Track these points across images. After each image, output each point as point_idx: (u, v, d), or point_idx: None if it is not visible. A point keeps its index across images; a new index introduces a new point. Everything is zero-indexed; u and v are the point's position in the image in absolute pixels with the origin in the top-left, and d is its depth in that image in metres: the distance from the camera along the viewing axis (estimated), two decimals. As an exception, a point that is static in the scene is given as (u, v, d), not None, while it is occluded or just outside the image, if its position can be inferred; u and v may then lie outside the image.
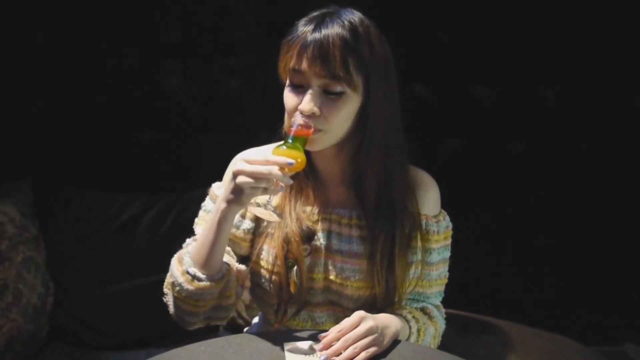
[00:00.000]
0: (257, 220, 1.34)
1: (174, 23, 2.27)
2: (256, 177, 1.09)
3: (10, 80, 2.21)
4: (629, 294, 2.51)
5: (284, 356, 1.14)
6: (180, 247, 1.34)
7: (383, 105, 1.24)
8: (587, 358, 2.01)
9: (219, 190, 1.36)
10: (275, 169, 1.09)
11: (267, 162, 1.09)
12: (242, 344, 1.17)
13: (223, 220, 1.17)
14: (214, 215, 1.18)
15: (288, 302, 1.31)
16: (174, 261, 1.27)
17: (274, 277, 1.31)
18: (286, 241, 1.28)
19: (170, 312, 1.29)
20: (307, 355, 1.14)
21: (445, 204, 1.42)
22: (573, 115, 2.44)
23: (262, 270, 1.32)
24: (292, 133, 1.16)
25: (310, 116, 1.18)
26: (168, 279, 1.27)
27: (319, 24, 1.19)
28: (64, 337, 2.02)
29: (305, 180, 1.32)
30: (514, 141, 2.46)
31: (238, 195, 1.12)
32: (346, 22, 1.19)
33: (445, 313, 1.45)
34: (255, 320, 1.58)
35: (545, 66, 2.39)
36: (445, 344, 1.42)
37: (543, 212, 2.50)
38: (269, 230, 1.32)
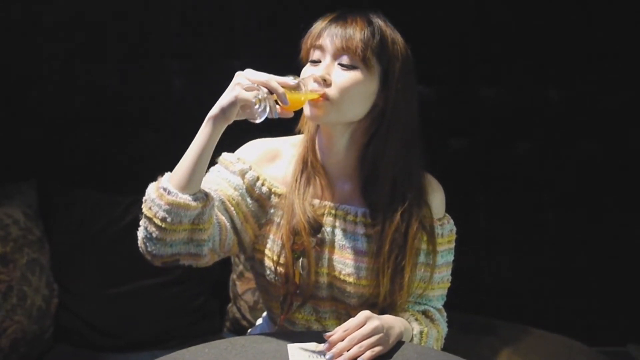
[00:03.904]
0: (262, 205, 1.32)
1: (177, 23, 2.27)
2: (254, 80, 1.12)
3: (13, 81, 2.22)
4: (632, 295, 2.50)
5: (288, 357, 1.13)
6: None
7: (401, 99, 1.26)
8: (590, 358, 2.01)
9: (228, 156, 1.35)
10: (274, 81, 1.12)
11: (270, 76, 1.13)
12: (246, 345, 1.17)
13: (208, 131, 1.15)
14: (202, 126, 1.17)
15: (294, 294, 1.31)
16: (152, 183, 1.22)
17: (279, 268, 1.30)
18: (293, 232, 1.28)
19: (139, 244, 1.20)
20: (312, 356, 1.14)
21: (448, 205, 1.42)
22: (577, 117, 2.44)
23: (266, 260, 1.32)
24: None
25: (321, 83, 1.21)
26: (143, 201, 1.20)
27: (344, 12, 1.25)
28: (68, 339, 2.03)
29: (314, 173, 1.32)
30: (518, 142, 2.46)
31: (231, 97, 1.12)
32: (371, 17, 1.25)
33: (448, 315, 1.45)
34: (259, 321, 1.58)
35: (550, 67, 2.39)
36: (448, 345, 1.41)
37: (546, 212, 2.50)
38: (276, 219, 1.32)
